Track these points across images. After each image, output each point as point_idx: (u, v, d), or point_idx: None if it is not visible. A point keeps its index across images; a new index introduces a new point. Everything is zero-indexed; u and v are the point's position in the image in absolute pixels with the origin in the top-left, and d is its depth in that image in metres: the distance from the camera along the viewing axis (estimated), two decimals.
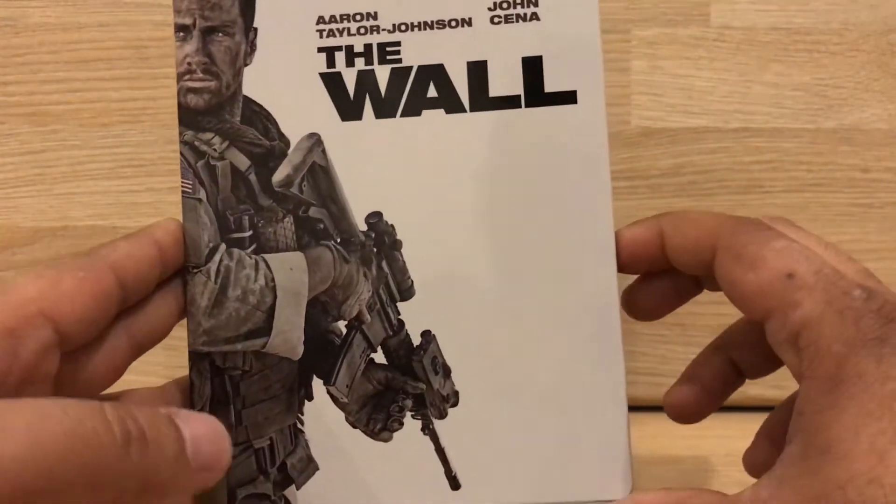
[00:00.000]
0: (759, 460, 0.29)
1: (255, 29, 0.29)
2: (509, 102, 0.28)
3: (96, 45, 0.44)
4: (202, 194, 0.28)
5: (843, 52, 0.44)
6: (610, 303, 0.28)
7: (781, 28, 0.44)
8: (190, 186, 0.28)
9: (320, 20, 0.29)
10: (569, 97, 0.28)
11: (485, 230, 0.28)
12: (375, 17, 0.29)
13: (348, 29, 0.29)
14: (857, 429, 0.21)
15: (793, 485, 0.21)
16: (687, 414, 0.29)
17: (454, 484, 0.28)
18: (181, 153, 0.28)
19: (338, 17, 0.29)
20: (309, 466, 0.28)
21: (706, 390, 0.29)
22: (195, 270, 0.28)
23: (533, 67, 0.28)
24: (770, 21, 0.44)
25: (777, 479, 0.22)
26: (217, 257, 0.28)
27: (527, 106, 0.28)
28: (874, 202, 0.44)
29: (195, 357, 0.28)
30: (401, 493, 0.28)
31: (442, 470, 0.28)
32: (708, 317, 0.36)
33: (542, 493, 0.28)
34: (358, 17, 0.29)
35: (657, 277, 0.29)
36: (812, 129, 0.44)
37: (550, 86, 0.28)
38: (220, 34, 0.29)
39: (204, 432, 0.23)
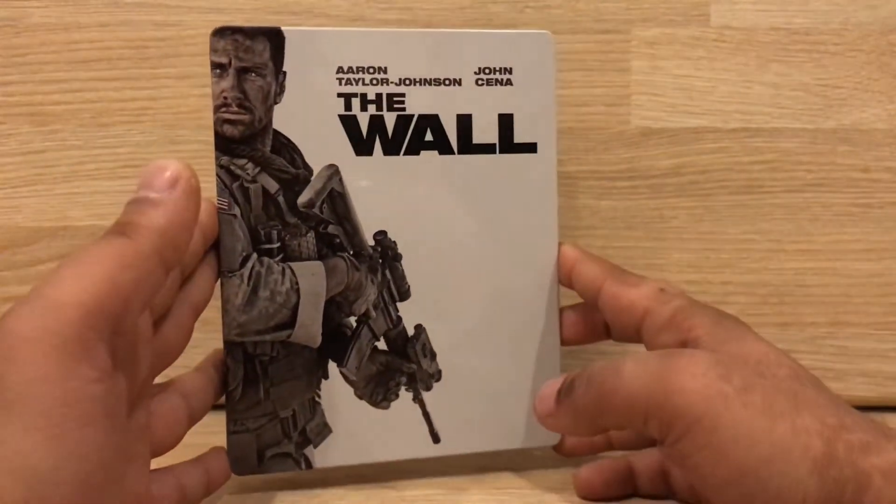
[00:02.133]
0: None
1: (285, 73, 0.36)
2: (487, 149, 0.38)
3: (97, 45, 0.45)
4: (237, 211, 0.35)
5: (842, 52, 0.45)
6: (551, 307, 0.39)
7: (781, 28, 0.45)
8: (226, 204, 0.35)
9: (339, 70, 0.36)
10: (531, 147, 0.38)
11: (465, 246, 0.38)
12: (385, 71, 0.37)
13: (363, 79, 0.36)
14: (743, 339, 0.32)
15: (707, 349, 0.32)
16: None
17: (435, 439, 0.38)
18: (218, 175, 0.35)
19: (354, 69, 0.36)
20: (324, 430, 0.37)
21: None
22: (230, 274, 0.35)
23: (506, 122, 0.38)
24: (770, 21, 0.45)
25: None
26: (249, 264, 0.35)
27: (500, 152, 0.38)
28: (874, 202, 0.45)
29: (230, 346, 0.36)
30: (395, 446, 0.38)
31: (427, 429, 0.38)
32: None
33: (500, 442, 0.39)
34: (371, 70, 0.37)
35: (576, 310, 0.40)
36: (812, 129, 0.45)
37: (518, 138, 0.38)
38: (253, 74, 0.35)
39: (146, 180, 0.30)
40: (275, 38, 0.36)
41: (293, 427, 0.36)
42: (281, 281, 0.35)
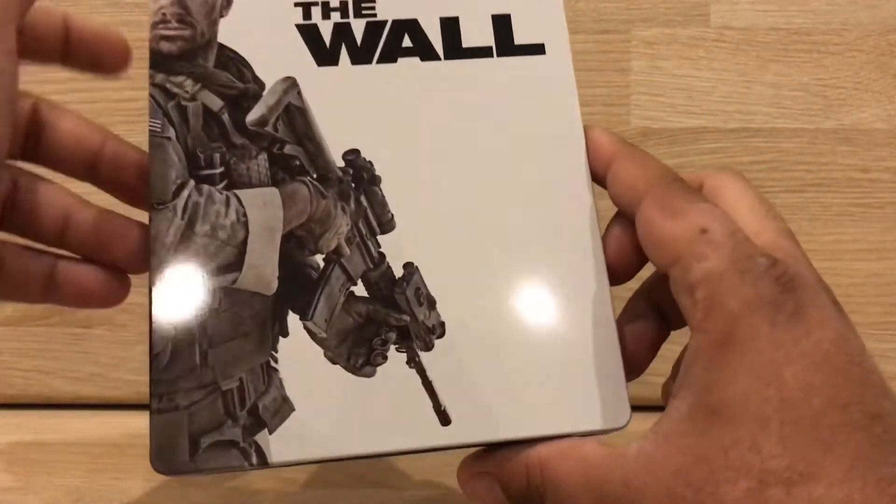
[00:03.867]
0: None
1: None
2: (482, 52, 0.30)
3: None
4: (171, 133, 0.29)
5: (842, 52, 0.44)
6: (587, 216, 0.29)
7: (781, 28, 0.45)
8: (159, 126, 0.29)
9: None
10: (538, 49, 0.31)
11: (462, 165, 0.29)
12: None
13: None
14: (746, 394, 0.22)
15: (679, 443, 0.23)
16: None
17: (444, 419, 0.27)
18: (150, 95, 0.29)
19: None
20: (283, 407, 0.27)
21: (639, 337, 0.29)
22: (160, 207, 0.28)
23: (502, 23, 0.31)
24: (770, 21, 0.45)
25: (664, 435, 0.23)
26: (185, 193, 0.28)
27: (498, 56, 0.30)
28: (874, 202, 0.45)
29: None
30: (387, 430, 0.27)
31: (430, 404, 0.27)
32: None
33: (537, 426, 0.27)
34: None
35: (619, 224, 0.29)
36: (812, 129, 0.44)
37: (520, 39, 0.31)
38: None
39: None
40: None
41: (239, 403, 0.26)
42: (224, 213, 0.28)
